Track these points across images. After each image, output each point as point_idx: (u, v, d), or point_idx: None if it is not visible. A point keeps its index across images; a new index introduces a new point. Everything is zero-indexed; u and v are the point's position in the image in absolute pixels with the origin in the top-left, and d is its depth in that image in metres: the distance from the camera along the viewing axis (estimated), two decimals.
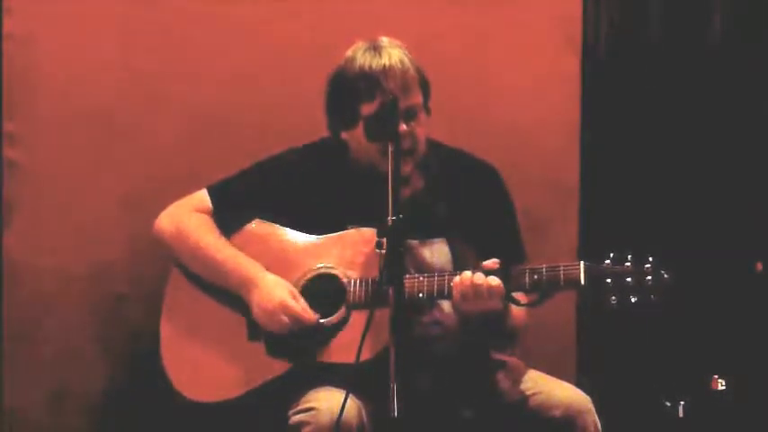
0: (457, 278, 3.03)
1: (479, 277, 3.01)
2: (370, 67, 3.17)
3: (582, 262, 2.98)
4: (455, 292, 3.03)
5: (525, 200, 3.52)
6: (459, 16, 3.86)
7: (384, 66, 3.17)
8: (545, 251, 3.68)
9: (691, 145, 4.01)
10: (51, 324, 3.68)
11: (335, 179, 3.29)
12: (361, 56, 3.20)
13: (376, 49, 3.21)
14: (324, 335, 3.14)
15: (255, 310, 3.18)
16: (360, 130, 3.20)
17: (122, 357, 3.72)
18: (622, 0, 4.02)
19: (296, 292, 3.17)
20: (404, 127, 3.14)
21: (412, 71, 3.19)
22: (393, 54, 3.19)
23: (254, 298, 3.18)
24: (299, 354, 3.15)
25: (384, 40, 3.23)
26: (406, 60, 3.19)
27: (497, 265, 3.03)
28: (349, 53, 3.24)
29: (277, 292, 3.16)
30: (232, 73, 3.76)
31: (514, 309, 3.16)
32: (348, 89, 3.20)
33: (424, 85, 3.24)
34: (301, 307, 3.14)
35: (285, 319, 3.13)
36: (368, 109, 3.17)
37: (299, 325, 3.13)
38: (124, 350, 3.71)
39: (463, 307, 3.04)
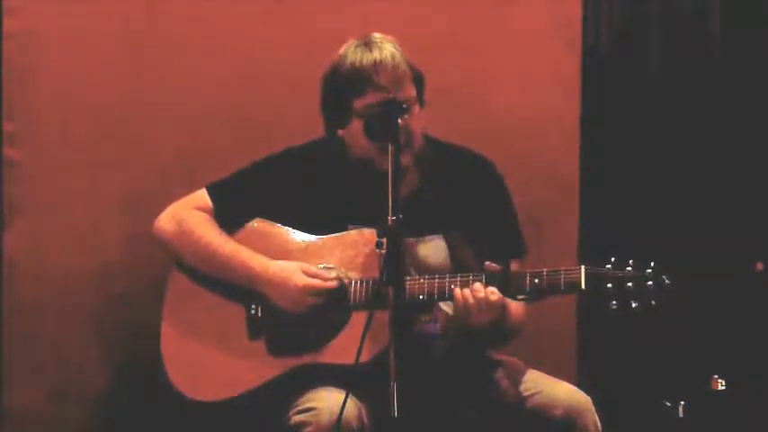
0: (457, 291, 3.04)
1: (479, 291, 3.01)
2: (361, 62, 3.17)
3: (582, 266, 2.98)
4: (456, 305, 3.04)
5: (525, 199, 3.51)
6: (458, 17, 3.86)
7: (375, 60, 3.17)
8: (545, 250, 3.68)
9: (691, 144, 4.01)
10: (51, 324, 3.68)
11: (336, 178, 3.28)
12: (352, 52, 3.20)
13: (367, 44, 3.21)
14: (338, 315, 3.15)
15: (281, 303, 3.18)
16: (354, 126, 3.20)
17: (122, 357, 3.72)
18: (622, 0, 4.02)
19: (306, 266, 3.18)
20: (399, 121, 3.13)
21: (403, 65, 3.19)
22: (384, 49, 3.19)
23: (271, 293, 3.19)
24: (299, 353, 3.15)
25: (376, 36, 3.23)
26: (398, 55, 3.19)
27: (500, 268, 3.03)
28: (341, 50, 3.24)
29: (293, 279, 3.16)
30: (232, 73, 3.76)
31: (513, 308, 3.16)
32: (340, 85, 3.20)
33: (417, 79, 3.24)
34: (320, 280, 3.16)
35: (312, 299, 3.15)
36: (360, 104, 3.17)
37: (328, 296, 3.15)
38: (124, 350, 3.71)
39: (463, 320, 3.05)
